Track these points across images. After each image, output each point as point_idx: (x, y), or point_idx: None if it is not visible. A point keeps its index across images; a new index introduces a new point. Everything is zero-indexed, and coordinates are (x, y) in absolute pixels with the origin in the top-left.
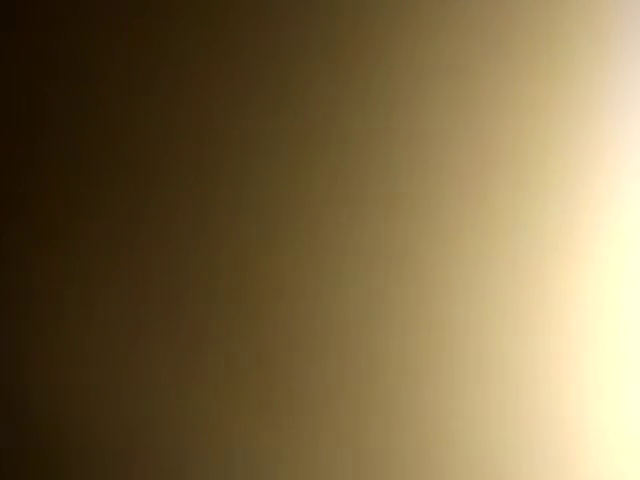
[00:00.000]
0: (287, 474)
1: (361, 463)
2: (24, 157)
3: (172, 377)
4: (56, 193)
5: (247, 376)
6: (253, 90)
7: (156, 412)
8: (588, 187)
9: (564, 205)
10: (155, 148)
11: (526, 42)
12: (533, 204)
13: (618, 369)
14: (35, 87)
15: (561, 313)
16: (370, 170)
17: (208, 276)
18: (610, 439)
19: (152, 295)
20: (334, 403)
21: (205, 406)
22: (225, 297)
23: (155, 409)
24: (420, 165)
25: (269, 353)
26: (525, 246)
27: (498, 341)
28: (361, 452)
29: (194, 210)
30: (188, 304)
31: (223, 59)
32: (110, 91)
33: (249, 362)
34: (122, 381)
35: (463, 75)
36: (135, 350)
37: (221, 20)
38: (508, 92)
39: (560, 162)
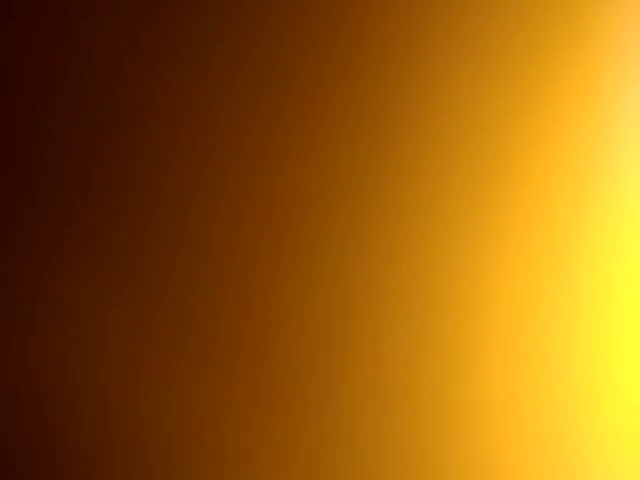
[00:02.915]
0: (284, 475)
1: (364, 464)
2: (22, 159)
3: (172, 379)
4: (55, 194)
5: (248, 377)
6: (254, 93)
7: (156, 413)
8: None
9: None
10: (156, 150)
11: (525, 46)
12: (527, 203)
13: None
14: (35, 90)
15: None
16: (368, 169)
17: (209, 277)
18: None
19: (150, 295)
20: (335, 404)
21: (204, 407)
22: (226, 298)
23: (155, 410)
24: (417, 163)
25: (270, 354)
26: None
27: (499, 341)
28: (364, 453)
29: (192, 211)
30: (187, 305)
31: (225, 66)
32: (111, 94)
33: (250, 363)
34: (120, 382)
35: (465, 78)
36: (133, 350)
37: (226, 25)
38: (510, 96)
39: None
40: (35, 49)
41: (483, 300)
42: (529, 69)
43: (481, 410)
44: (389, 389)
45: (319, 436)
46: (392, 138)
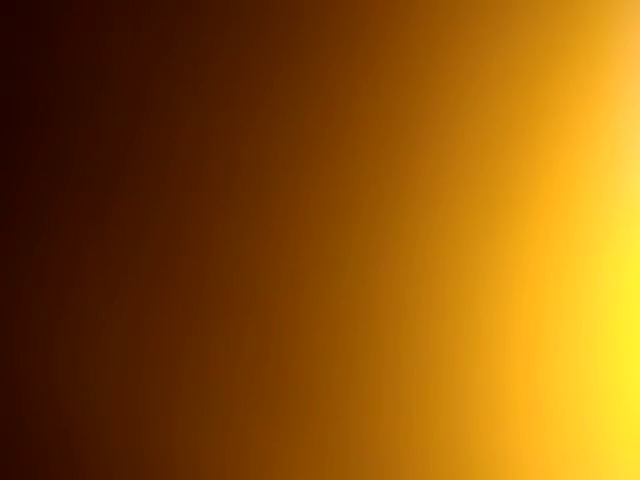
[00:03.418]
0: (287, 477)
1: (371, 470)
2: (28, 158)
3: (175, 378)
4: (58, 193)
5: (258, 381)
6: (256, 94)
7: (158, 413)
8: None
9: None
10: (159, 148)
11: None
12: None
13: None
14: (39, 88)
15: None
16: (390, 173)
17: (218, 280)
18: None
19: (155, 295)
20: (339, 404)
21: (209, 407)
22: (236, 298)
23: (157, 410)
24: (439, 166)
25: (274, 354)
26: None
27: (520, 344)
28: (369, 454)
29: (199, 210)
30: (197, 307)
31: (227, 66)
32: (114, 93)
33: (254, 363)
34: (124, 382)
35: (489, 84)
36: (138, 351)
37: (227, 26)
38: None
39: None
40: (35, 47)
41: (504, 303)
42: (550, 73)
43: (503, 414)
44: (410, 392)
45: (342, 440)
46: (414, 142)
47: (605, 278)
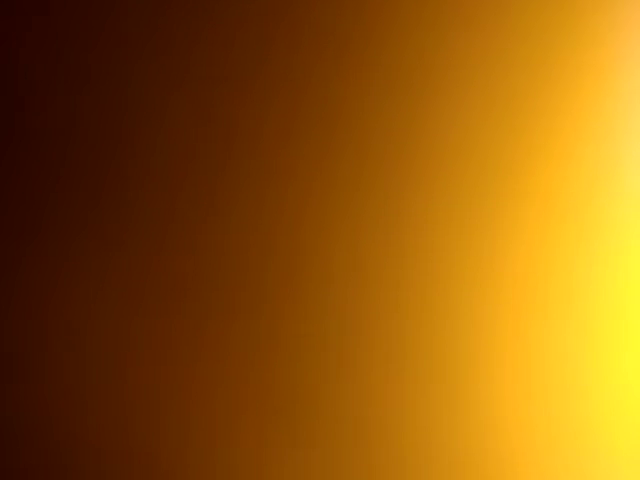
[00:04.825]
0: (289, 476)
1: (363, 464)
2: (29, 162)
3: (171, 377)
4: (53, 191)
5: (248, 376)
6: (254, 87)
7: (156, 412)
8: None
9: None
10: (153, 146)
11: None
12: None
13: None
14: (35, 89)
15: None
16: (383, 171)
17: (207, 275)
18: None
19: (150, 294)
20: (336, 403)
21: (205, 406)
22: (224, 296)
23: (154, 409)
24: (430, 163)
25: (269, 353)
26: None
27: (496, 342)
28: (363, 453)
29: (191, 209)
30: (187, 303)
31: (224, 64)
32: (109, 91)
33: (249, 362)
34: (120, 381)
35: (479, 84)
36: (133, 350)
37: (223, 21)
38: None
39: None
40: (37, 45)
41: (495, 298)
42: (537, 74)
43: (496, 410)
44: (402, 387)
45: (331, 437)
46: (405, 135)
47: (597, 273)
